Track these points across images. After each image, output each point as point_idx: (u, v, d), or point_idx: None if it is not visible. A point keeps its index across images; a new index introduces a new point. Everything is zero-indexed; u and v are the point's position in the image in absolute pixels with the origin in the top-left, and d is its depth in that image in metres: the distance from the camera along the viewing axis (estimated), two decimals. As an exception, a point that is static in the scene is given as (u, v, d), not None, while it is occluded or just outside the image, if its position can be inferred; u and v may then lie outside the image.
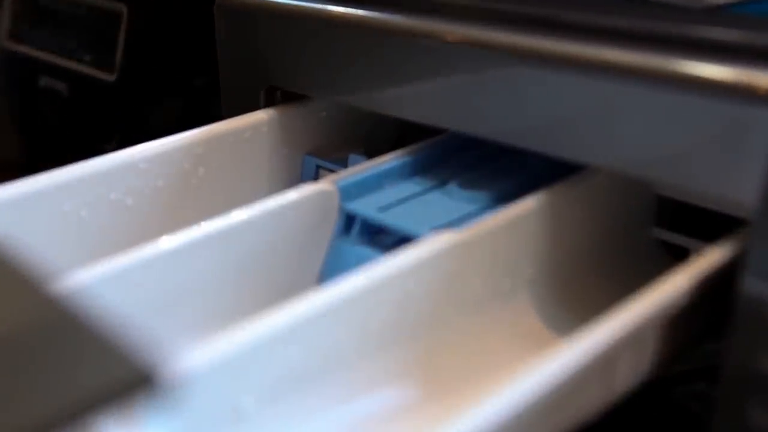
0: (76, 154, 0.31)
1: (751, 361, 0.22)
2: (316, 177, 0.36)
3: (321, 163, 0.36)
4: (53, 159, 0.31)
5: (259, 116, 0.35)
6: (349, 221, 0.30)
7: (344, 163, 0.35)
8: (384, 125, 0.38)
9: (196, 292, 0.27)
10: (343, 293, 0.23)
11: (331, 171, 0.35)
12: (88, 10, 0.59)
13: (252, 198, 0.29)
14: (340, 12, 0.32)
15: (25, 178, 0.29)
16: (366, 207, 0.29)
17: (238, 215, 0.28)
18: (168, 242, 0.26)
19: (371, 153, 0.34)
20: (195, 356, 0.20)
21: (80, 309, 0.15)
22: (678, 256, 0.30)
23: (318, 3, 0.33)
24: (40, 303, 0.16)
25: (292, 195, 0.29)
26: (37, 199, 0.29)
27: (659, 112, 0.24)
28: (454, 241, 0.25)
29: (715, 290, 0.23)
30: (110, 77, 0.57)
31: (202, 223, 0.27)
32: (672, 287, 0.22)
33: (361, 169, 0.31)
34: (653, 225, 0.31)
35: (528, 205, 0.27)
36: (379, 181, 0.31)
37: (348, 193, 0.30)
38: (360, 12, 0.31)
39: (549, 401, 0.19)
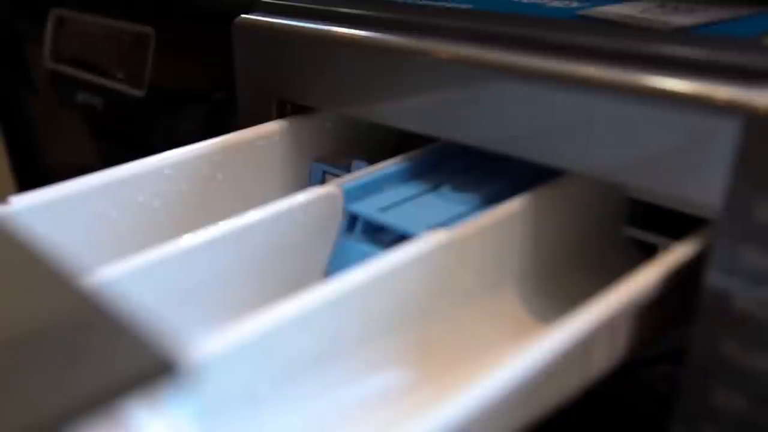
0: (108, 161, 0.31)
1: (714, 346, 0.22)
2: (322, 181, 0.36)
3: (327, 168, 0.36)
4: (91, 165, 0.31)
5: (272, 127, 0.35)
6: (352, 221, 0.30)
7: (348, 169, 0.34)
8: (384, 134, 0.38)
9: (215, 285, 0.27)
10: (347, 286, 0.23)
11: (336, 176, 0.35)
12: (119, 32, 0.59)
13: (265, 200, 0.29)
14: (344, 33, 0.32)
15: (60, 182, 0.29)
16: (368, 208, 0.29)
17: (253, 216, 0.27)
18: (190, 240, 0.26)
19: (372, 159, 0.34)
20: (214, 343, 0.20)
21: (109, 301, 0.15)
22: (648, 252, 0.30)
23: (323, 25, 0.33)
24: (72, 296, 0.15)
25: (302, 197, 0.29)
26: (73, 201, 0.29)
27: (630, 122, 0.24)
28: (447, 239, 0.25)
29: (682, 283, 0.23)
30: (140, 93, 0.57)
31: (220, 223, 0.27)
32: (643, 280, 0.22)
33: (364, 173, 0.31)
34: (625, 224, 0.31)
35: (513, 206, 0.27)
36: (379, 185, 0.31)
37: (352, 195, 0.30)
38: (362, 33, 0.31)
39: (533, 383, 0.19)
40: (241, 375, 0.21)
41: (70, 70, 0.65)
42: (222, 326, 0.21)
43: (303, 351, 0.22)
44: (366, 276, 0.23)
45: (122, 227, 0.30)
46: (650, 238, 0.30)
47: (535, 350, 0.19)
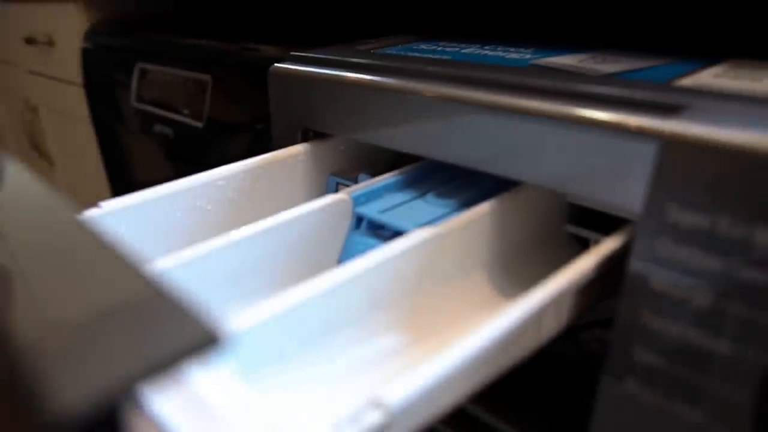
0: (176, 176, 0.30)
1: (635, 315, 0.21)
2: (336, 190, 0.35)
3: (340, 180, 0.35)
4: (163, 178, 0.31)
5: (298, 149, 0.34)
6: (359, 220, 0.29)
7: (356, 180, 0.34)
8: (383, 153, 0.37)
9: (255, 269, 0.26)
10: (355, 271, 0.22)
11: (347, 186, 0.34)
12: (185, 80, 0.59)
13: (293, 205, 0.28)
14: (353, 77, 0.31)
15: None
16: (371, 210, 0.29)
17: (283, 216, 0.27)
18: (236, 235, 0.25)
19: (375, 173, 0.33)
20: (252, 315, 0.20)
21: (168, 285, 0.14)
22: (583, 244, 0.30)
23: (337, 71, 0.32)
24: (139, 281, 0.15)
25: (321, 202, 0.28)
26: (148, 205, 0.28)
27: (570, 145, 0.23)
28: (431, 235, 0.25)
29: (611, 267, 0.22)
30: (199, 124, 0.57)
31: (258, 222, 0.26)
32: (582, 266, 0.22)
33: (367, 184, 0.31)
34: (566, 222, 0.30)
35: (482, 209, 0.27)
36: (380, 193, 0.30)
37: (358, 201, 0.30)
38: (366, 77, 0.31)
39: (497, 345, 0.19)
40: (273, 339, 0.20)
41: (149, 108, 0.65)
42: (258, 301, 0.20)
43: (321, 320, 0.22)
44: (369, 263, 0.23)
45: (184, 225, 0.30)
46: (585, 233, 0.29)
47: (500, 321, 0.19)
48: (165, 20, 0.69)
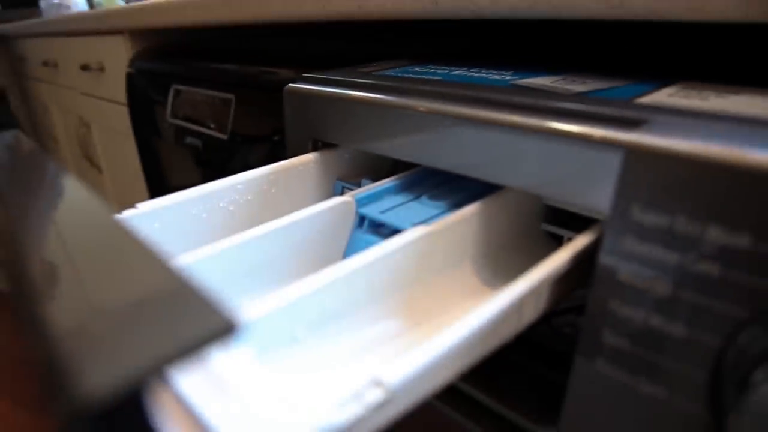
0: (205, 181, 0.30)
1: (604, 302, 0.21)
2: (342, 193, 0.34)
3: (345, 184, 0.34)
4: (193, 183, 0.30)
5: (308, 157, 0.34)
6: (361, 220, 0.28)
7: (360, 184, 0.33)
8: (383, 161, 0.36)
9: (271, 262, 0.26)
10: (359, 263, 0.22)
11: (351, 189, 0.34)
12: (212, 98, 0.59)
13: (304, 206, 0.28)
14: (356, 95, 0.31)
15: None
16: (372, 211, 0.28)
17: (296, 216, 0.26)
18: (254, 232, 0.25)
19: (376, 178, 0.33)
20: (267, 302, 0.19)
21: (192, 278, 0.14)
22: (558, 241, 0.29)
23: (342, 90, 0.32)
24: (166, 274, 0.14)
25: (328, 204, 0.28)
26: (178, 206, 0.28)
27: (545, 153, 0.23)
28: (425, 232, 0.24)
29: (583, 261, 0.22)
30: (224, 137, 0.56)
31: (274, 221, 0.26)
32: (557, 260, 0.21)
33: (369, 188, 0.30)
34: (543, 222, 0.30)
35: (470, 210, 0.26)
36: (380, 195, 0.30)
37: (361, 202, 0.29)
38: (367, 95, 0.30)
39: (485, 330, 0.18)
40: (285, 324, 0.20)
41: (182, 123, 0.65)
42: (274, 291, 0.20)
43: (328, 308, 0.21)
44: (370, 257, 0.22)
45: (209, 224, 0.29)
46: (560, 232, 0.29)
47: (486, 309, 0.18)
48: (197, 48, 0.69)
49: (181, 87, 0.65)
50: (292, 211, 0.27)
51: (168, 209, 0.27)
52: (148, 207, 0.27)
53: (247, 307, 0.19)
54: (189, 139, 0.64)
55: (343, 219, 0.28)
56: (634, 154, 0.19)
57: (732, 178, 0.17)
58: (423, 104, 0.27)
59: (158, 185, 0.81)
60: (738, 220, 0.17)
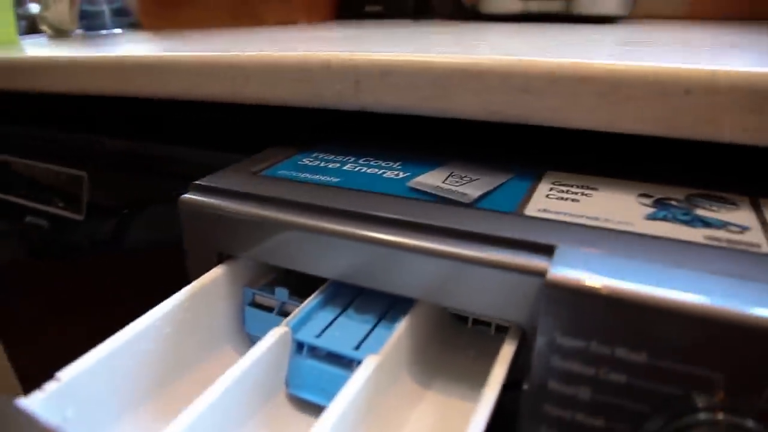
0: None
1: (540, 406, 0.25)
2: (253, 301, 0.34)
3: (255, 291, 0.34)
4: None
5: (217, 271, 0.33)
6: (299, 346, 0.29)
7: (272, 291, 0.33)
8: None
9: (226, 412, 0.25)
10: (333, 414, 0.22)
11: (263, 296, 0.34)
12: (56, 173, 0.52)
13: (222, 324, 0.29)
14: (262, 214, 0.31)
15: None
16: (307, 336, 0.29)
17: (243, 363, 0.26)
18: (213, 393, 0.25)
19: (283, 280, 0.34)
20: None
21: None
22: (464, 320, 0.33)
23: (238, 204, 0.32)
24: None
25: (269, 341, 0.28)
26: (103, 361, 0.26)
27: (449, 274, 0.26)
28: (378, 362, 0.26)
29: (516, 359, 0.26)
30: (79, 217, 0.51)
31: (223, 377, 0.25)
32: (497, 377, 0.24)
33: (297, 312, 0.30)
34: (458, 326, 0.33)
35: (403, 326, 0.28)
36: (309, 315, 0.30)
37: (296, 328, 0.29)
38: (272, 214, 0.30)
39: None
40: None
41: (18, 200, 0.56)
42: None
43: None
44: (344, 404, 0.23)
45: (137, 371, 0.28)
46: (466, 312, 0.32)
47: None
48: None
49: (8, 158, 0.57)
50: (213, 334, 0.27)
51: (93, 372, 0.25)
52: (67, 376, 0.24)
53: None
54: (29, 218, 0.56)
55: (282, 350, 0.29)
56: (552, 286, 0.23)
57: (629, 310, 0.22)
58: (318, 224, 0.28)
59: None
60: (637, 343, 0.22)
